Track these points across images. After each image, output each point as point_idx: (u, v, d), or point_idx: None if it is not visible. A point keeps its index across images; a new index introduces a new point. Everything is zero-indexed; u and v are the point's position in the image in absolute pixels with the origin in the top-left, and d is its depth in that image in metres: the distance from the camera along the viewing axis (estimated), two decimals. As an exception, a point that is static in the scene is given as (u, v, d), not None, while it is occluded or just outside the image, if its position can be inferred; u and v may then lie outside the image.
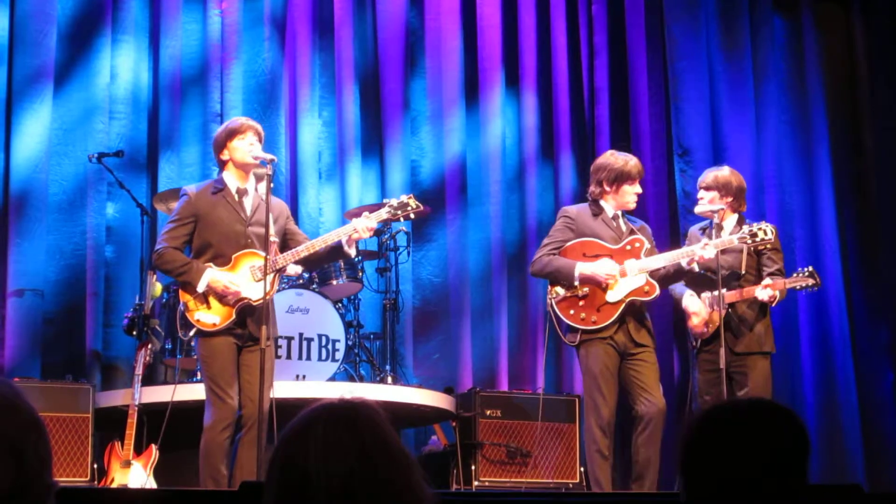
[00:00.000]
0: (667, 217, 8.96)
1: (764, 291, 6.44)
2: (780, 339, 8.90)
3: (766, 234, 6.34)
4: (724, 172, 6.69)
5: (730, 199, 6.56)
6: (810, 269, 6.71)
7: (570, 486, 7.38)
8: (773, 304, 6.59)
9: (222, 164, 5.85)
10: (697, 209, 6.64)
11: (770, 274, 6.60)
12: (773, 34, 9.47)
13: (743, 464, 2.10)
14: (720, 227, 6.52)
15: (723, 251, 6.36)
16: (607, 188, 6.27)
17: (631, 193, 6.28)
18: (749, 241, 6.35)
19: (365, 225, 5.75)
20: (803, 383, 8.91)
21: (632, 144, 9.01)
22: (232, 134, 5.78)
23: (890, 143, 9.30)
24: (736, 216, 6.64)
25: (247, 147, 5.75)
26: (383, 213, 5.91)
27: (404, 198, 5.96)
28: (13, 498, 1.78)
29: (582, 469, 7.45)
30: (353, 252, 5.86)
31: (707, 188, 6.61)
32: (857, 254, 9.20)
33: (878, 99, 9.39)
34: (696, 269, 6.26)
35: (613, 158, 6.35)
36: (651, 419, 6.11)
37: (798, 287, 6.69)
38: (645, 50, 9.29)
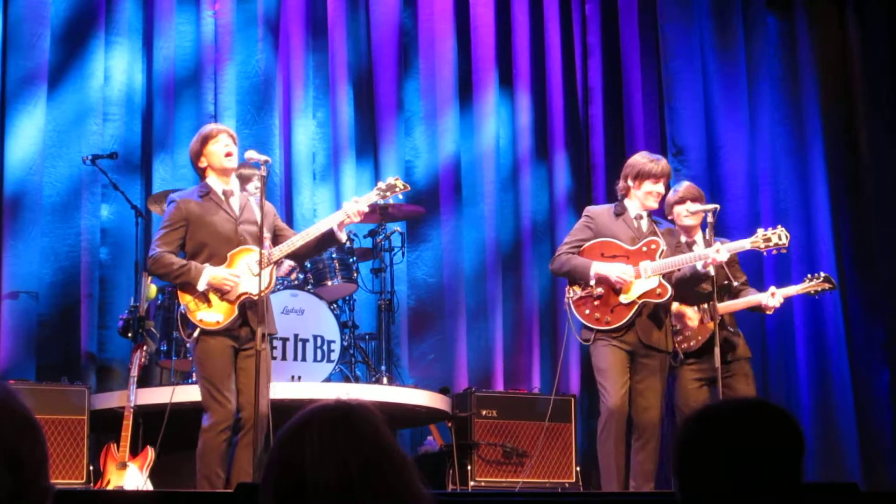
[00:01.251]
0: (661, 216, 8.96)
1: (774, 299, 6.52)
2: (776, 339, 8.93)
3: (780, 238, 6.35)
4: (690, 184, 6.81)
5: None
6: (824, 274, 6.79)
7: (566, 485, 7.39)
8: (770, 312, 6.67)
9: (202, 172, 5.88)
10: (695, 210, 6.61)
11: (743, 284, 6.69)
12: (766, 33, 9.49)
13: (738, 463, 2.10)
14: (694, 243, 6.59)
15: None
16: (631, 183, 6.29)
17: (652, 192, 6.27)
18: (762, 246, 6.37)
19: (356, 209, 5.81)
20: (799, 382, 8.92)
21: (626, 144, 9.03)
22: (205, 140, 5.82)
23: (884, 141, 9.31)
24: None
25: (222, 149, 5.77)
26: (373, 196, 6.00)
27: (391, 179, 6.07)
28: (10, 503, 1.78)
29: (578, 469, 7.46)
30: (343, 236, 5.93)
31: (693, 199, 6.64)
32: (851, 252, 9.21)
33: (873, 97, 9.40)
34: (712, 272, 6.25)
35: (641, 156, 6.39)
36: (644, 430, 6.13)
37: (812, 292, 6.77)
38: (639, 49, 9.31)
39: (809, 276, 6.87)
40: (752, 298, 6.62)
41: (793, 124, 9.39)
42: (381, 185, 6.04)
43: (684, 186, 6.73)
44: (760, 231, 6.43)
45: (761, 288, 6.85)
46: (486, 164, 8.93)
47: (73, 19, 8.07)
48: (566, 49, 9.32)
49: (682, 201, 6.65)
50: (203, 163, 5.83)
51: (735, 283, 6.62)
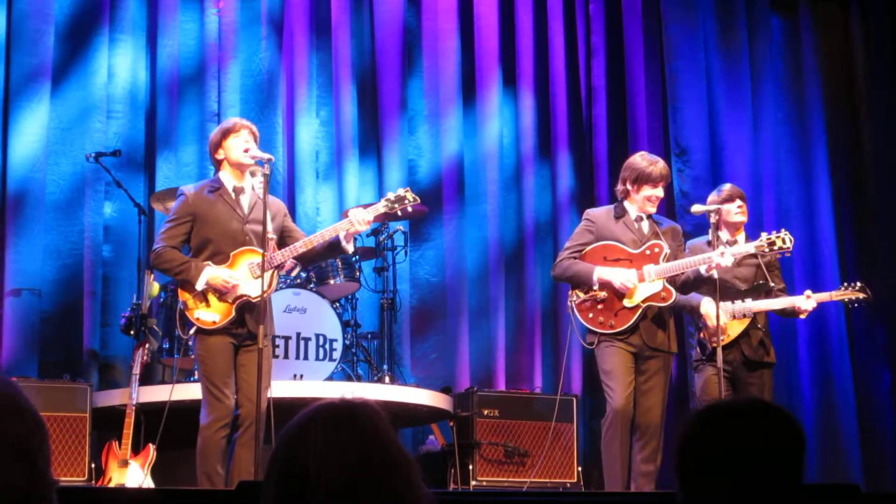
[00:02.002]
0: (664, 216, 8.95)
1: (809, 302, 6.53)
2: (778, 340, 8.92)
3: (784, 242, 6.33)
4: (732, 185, 6.86)
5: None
6: (860, 283, 6.79)
7: (568, 485, 7.39)
8: (804, 317, 6.72)
9: (218, 164, 5.86)
10: (698, 211, 6.62)
11: (780, 290, 6.68)
12: (770, 34, 9.48)
13: (738, 463, 2.10)
14: (735, 242, 6.57)
15: (738, 264, 6.40)
16: (630, 187, 6.28)
17: (651, 196, 6.24)
18: (766, 250, 6.36)
19: (363, 218, 5.73)
20: (801, 383, 8.91)
21: (629, 144, 9.02)
22: (227, 133, 5.78)
23: (887, 142, 9.30)
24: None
25: (242, 145, 5.74)
26: (380, 207, 5.88)
27: (401, 191, 5.95)
28: (25, 500, 1.79)
29: (579, 469, 7.46)
30: (350, 248, 5.83)
31: (741, 198, 6.70)
32: (854, 254, 9.20)
33: (876, 98, 9.39)
34: (716, 275, 6.22)
35: (640, 159, 6.34)
36: (645, 430, 6.13)
37: (846, 300, 6.79)
38: (642, 50, 9.30)
39: (845, 283, 6.89)
40: (786, 300, 6.62)
41: (796, 125, 9.38)
42: (391, 196, 5.92)
43: (729, 186, 6.79)
44: (764, 235, 6.41)
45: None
46: (489, 164, 8.93)
47: (77, 16, 8.08)
48: (570, 49, 9.31)
49: (731, 199, 6.65)
50: (220, 155, 5.80)
51: (775, 287, 6.62)
